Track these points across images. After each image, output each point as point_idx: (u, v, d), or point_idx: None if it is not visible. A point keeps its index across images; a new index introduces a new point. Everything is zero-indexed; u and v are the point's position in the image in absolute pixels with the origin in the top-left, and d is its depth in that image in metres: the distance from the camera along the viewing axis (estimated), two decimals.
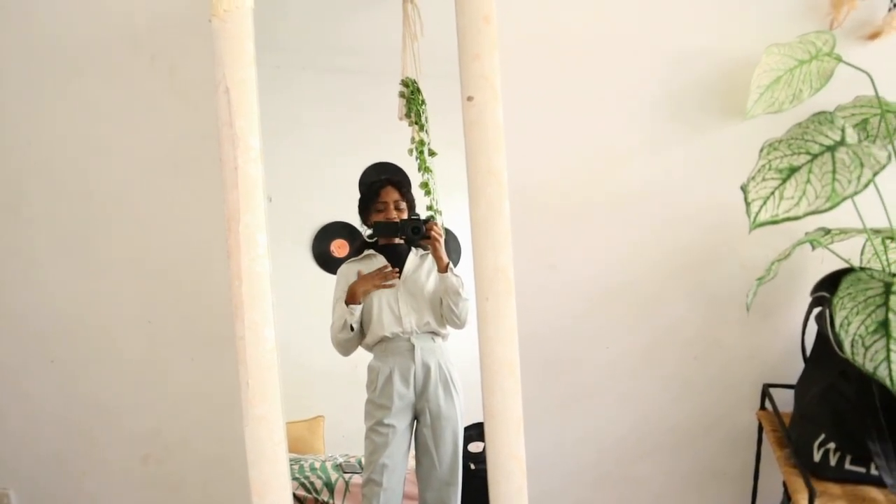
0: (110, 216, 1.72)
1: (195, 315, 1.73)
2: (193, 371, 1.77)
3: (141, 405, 1.83)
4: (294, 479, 1.58)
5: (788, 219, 1.07)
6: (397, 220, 1.50)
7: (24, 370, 1.85)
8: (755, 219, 1.11)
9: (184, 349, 1.76)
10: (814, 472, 1.28)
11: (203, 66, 1.48)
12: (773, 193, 1.11)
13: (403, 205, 1.51)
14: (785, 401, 1.51)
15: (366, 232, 1.54)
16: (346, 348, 1.51)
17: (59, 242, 1.76)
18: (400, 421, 1.49)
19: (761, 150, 1.17)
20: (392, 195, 1.51)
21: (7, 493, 1.96)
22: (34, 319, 1.82)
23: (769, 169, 1.13)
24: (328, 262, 1.58)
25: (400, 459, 1.51)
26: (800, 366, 1.42)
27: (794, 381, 1.45)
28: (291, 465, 1.44)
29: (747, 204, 1.13)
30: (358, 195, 1.55)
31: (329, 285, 1.54)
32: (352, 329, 1.49)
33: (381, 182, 1.52)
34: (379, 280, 1.49)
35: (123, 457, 1.87)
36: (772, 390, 1.55)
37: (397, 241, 1.51)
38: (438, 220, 1.50)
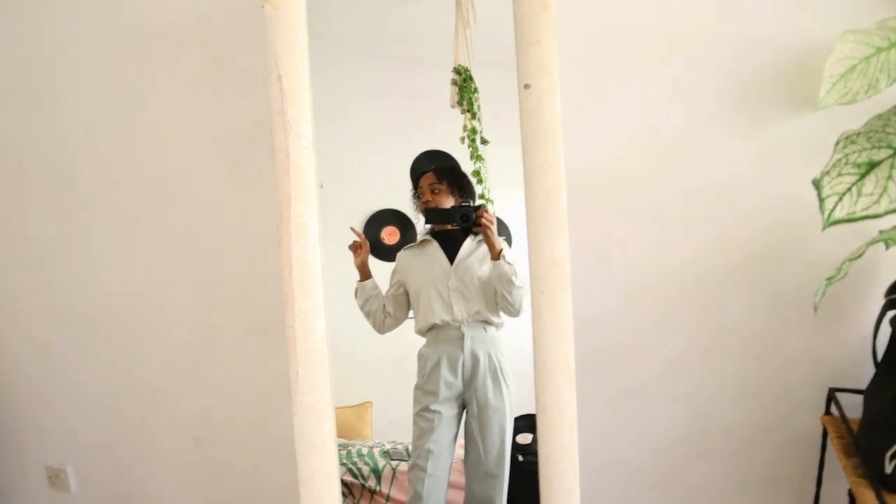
0: (163, 203, 1.74)
1: (246, 302, 1.75)
2: (243, 357, 1.79)
3: (191, 389, 1.86)
4: (342, 464, 1.60)
5: (867, 217, 1.02)
6: (432, 204, 1.50)
7: (82, 351, 1.91)
8: (829, 216, 1.05)
9: (234, 335, 1.78)
10: (885, 484, 1.22)
11: (255, 54, 1.48)
12: (850, 189, 1.05)
13: (441, 188, 1.50)
14: (851, 407, 1.45)
15: (420, 220, 1.55)
16: (373, 319, 1.54)
17: (112, 228, 1.80)
18: (447, 408, 1.50)
19: (837, 143, 1.11)
20: (428, 179, 1.52)
21: (64, 468, 2.02)
22: (90, 303, 1.86)
23: (846, 163, 1.07)
24: (379, 250, 1.59)
25: (446, 446, 1.51)
26: (870, 370, 1.36)
27: (862, 385, 1.39)
28: (339, 450, 1.45)
29: (821, 200, 1.07)
30: (409, 182, 1.55)
31: (379, 272, 1.55)
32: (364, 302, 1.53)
33: (422, 170, 1.53)
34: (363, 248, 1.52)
35: (175, 439, 1.91)
36: (838, 395, 1.49)
37: (452, 227, 1.49)
38: (490, 208, 1.48)
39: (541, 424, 1.19)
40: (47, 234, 1.85)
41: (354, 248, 1.52)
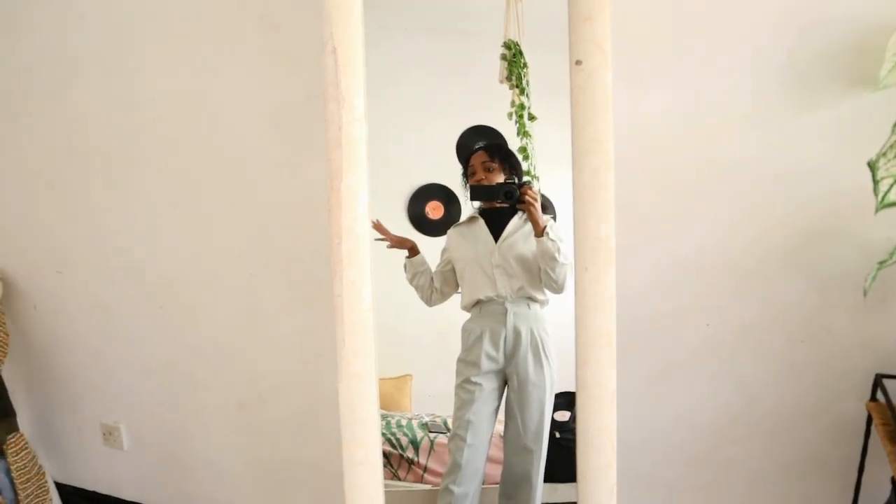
0: (218, 171, 1.78)
1: (295, 271, 1.78)
2: (290, 325, 1.82)
3: (239, 354, 1.90)
4: (381, 434, 1.63)
5: None
6: (485, 182, 1.50)
7: (137, 315, 1.96)
8: (883, 198, 1.04)
9: (282, 303, 1.81)
10: None
11: (310, 25, 1.49)
12: None
13: (493, 166, 1.50)
14: None
15: (466, 196, 1.56)
16: (421, 293, 1.57)
17: (168, 196, 1.84)
18: (488, 381, 1.52)
19: (895, 125, 1.09)
20: (480, 157, 1.52)
21: (118, 426, 2.10)
22: (146, 268, 1.91)
23: None
24: (423, 224, 1.60)
25: (485, 418, 1.53)
26: None
27: None
28: None
29: (875, 182, 1.05)
30: (455, 157, 1.55)
31: (424, 246, 1.57)
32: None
33: (470, 146, 1.54)
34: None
35: (221, 402, 1.96)
36: (885, 381, 1.46)
37: (498, 204, 1.50)
38: (535, 185, 1.48)
39: (580, 400, 1.19)
40: (107, 200, 1.90)
41: (396, 243, 1.57)
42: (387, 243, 1.55)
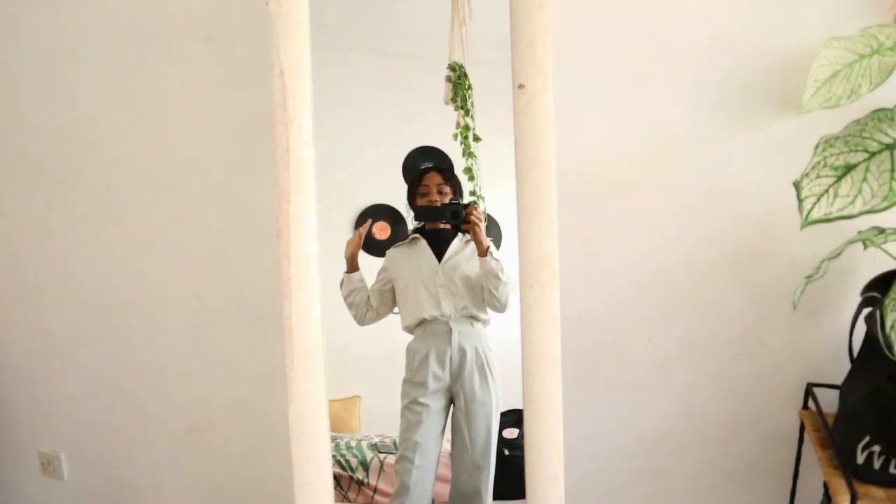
0: (164, 193, 1.75)
1: (242, 292, 1.76)
2: (238, 346, 1.80)
3: (187, 377, 1.87)
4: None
5: (842, 217, 1.06)
6: (438, 204, 1.51)
7: (78, 339, 1.91)
8: (807, 216, 1.09)
9: (230, 325, 1.80)
10: (856, 474, 1.27)
11: (257, 47, 1.49)
12: (827, 191, 1.09)
13: (447, 189, 1.51)
14: (828, 401, 1.48)
15: (411, 216, 1.56)
16: (355, 311, 1.54)
17: (114, 216, 1.80)
18: (434, 401, 1.51)
19: (817, 147, 1.15)
20: (435, 179, 1.52)
21: (58, 455, 2.03)
22: (88, 291, 1.87)
23: (824, 166, 1.11)
24: (370, 245, 1.59)
25: (433, 439, 1.53)
26: (846, 366, 1.40)
27: (839, 381, 1.42)
28: None
29: (800, 201, 1.11)
30: (401, 178, 1.56)
31: (368, 266, 1.56)
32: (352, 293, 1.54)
33: (419, 167, 1.54)
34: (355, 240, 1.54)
35: (169, 426, 1.92)
36: (816, 390, 1.52)
37: (442, 225, 1.52)
38: (481, 205, 1.50)
39: (528, 414, 1.22)
40: (49, 220, 1.85)
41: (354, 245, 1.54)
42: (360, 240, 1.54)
